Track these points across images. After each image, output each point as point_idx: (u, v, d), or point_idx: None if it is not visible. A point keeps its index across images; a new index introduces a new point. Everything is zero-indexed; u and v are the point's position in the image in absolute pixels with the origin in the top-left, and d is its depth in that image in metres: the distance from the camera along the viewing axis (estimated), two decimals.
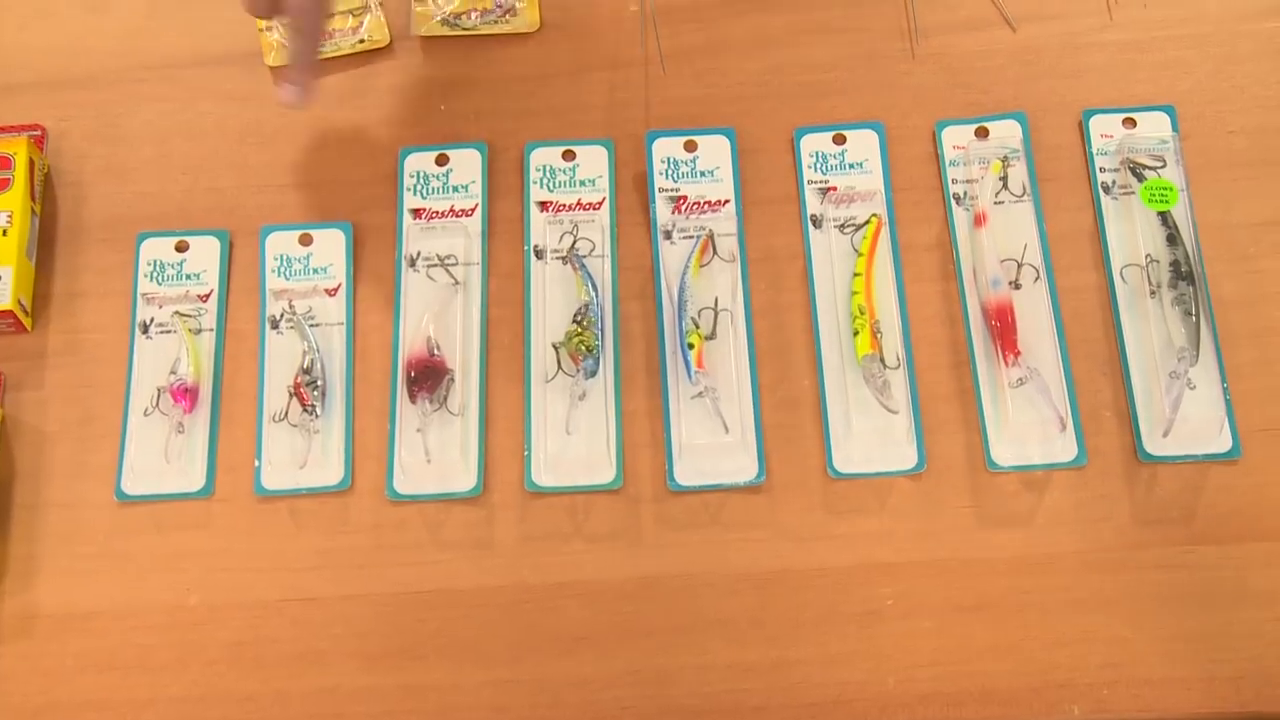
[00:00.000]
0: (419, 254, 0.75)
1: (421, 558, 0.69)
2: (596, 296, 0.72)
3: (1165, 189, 0.73)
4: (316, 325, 0.74)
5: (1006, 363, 0.70)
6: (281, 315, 0.74)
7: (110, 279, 0.76)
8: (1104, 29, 0.79)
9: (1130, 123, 0.76)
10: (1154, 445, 0.69)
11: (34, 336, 0.75)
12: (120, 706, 0.68)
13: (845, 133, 0.77)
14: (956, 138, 0.76)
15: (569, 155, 0.77)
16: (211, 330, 0.74)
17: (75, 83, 0.81)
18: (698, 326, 0.72)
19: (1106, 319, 0.72)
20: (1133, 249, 0.73)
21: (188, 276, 0.76)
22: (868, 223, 0.74)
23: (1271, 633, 0.66)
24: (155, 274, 0.76)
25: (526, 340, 0.73)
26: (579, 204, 0.76)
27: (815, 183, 0.76)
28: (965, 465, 0.70)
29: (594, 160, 0.77)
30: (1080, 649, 0.66)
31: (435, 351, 0.72)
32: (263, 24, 0.81)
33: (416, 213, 0.76)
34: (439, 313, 0.73)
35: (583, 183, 0.76)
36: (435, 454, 0.70)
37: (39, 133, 0.79)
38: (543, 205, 0.76)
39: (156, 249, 0.76)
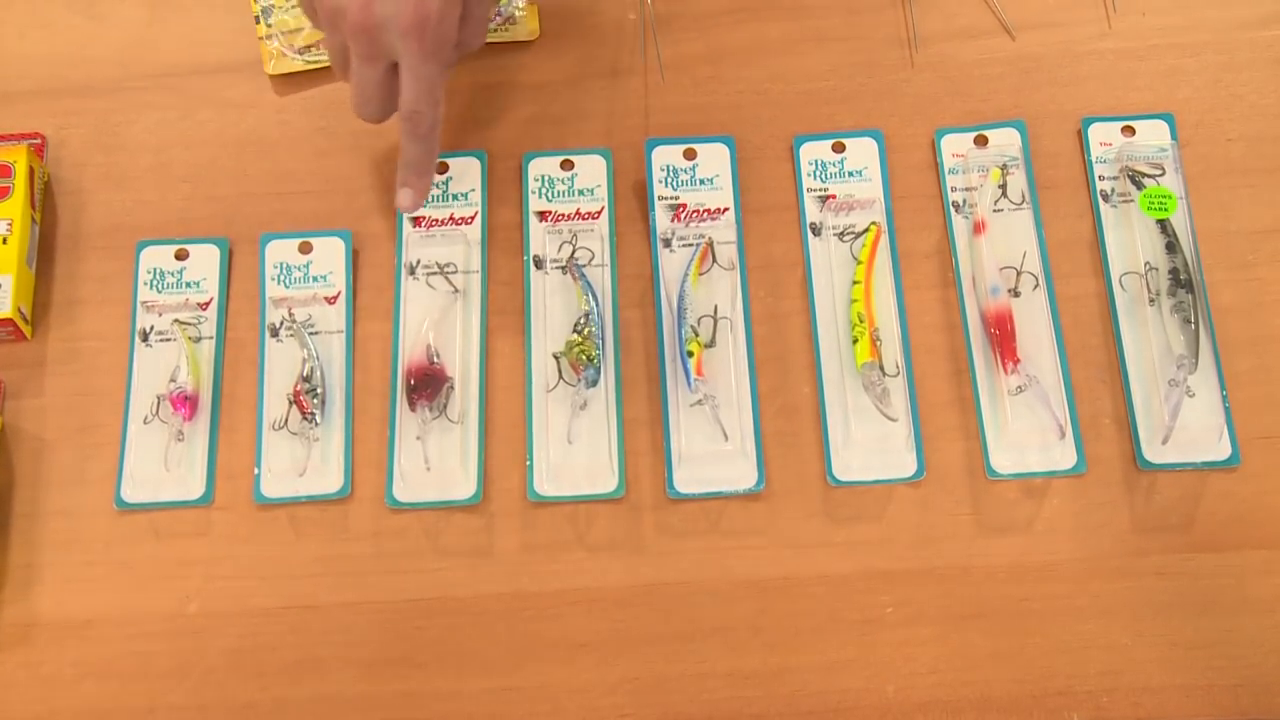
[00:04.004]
0: (418, 262, 0.75)
1: (421, 565, 0.69)
2: (597, 306, 0.72)
3: (1164, 197, 0.73)
4: (316, 333, 0.74)
5: (1006, 370, 0.70)
6: (281, 323, 0.74)
7: (110, 287, 0.76)
8: (1103, 37, 0.79)
9: (1129, 130, 0.76)
10: (1153, 453, 0.69)
11: (34, 344, 0.75)
12: (120, 714, 0.68)
13: (844, 141, 0.77)
14: (955, 146, 0.76)
15: (567, 165, 0.77)
16: (211, 338, 0.74)
17: (75, 91, 0.81)
18: (697, 334, 0.72)
19: (1106, 327, 0.72)
20: (1132, 257, 0.73)
21: (187, 284, 0.76)
22: (867, 230, 0.74)
23: (1271, 640, 0.66)
24: (155, 282, 0.76)
25: (527, 349, 0.73)
26: (578, 213, 0.76)
27: (814, 191, 0.76)
28: (964, 473, 0.70)
29: (592, 169, 0.77)
30: (1079, 656, 0.66)
31: (435, 359, 0.72)
32: (262, 31, 0.81)
33: (416, 221, 0.76)
34: (439, 320, 0.73)
35: (581, 192, 0.76)
36: (435, 462, 0.70)
37: (39, 141, 0.79)
38: (541, 215, 0.76)
39: (156, 257, 0.76)
